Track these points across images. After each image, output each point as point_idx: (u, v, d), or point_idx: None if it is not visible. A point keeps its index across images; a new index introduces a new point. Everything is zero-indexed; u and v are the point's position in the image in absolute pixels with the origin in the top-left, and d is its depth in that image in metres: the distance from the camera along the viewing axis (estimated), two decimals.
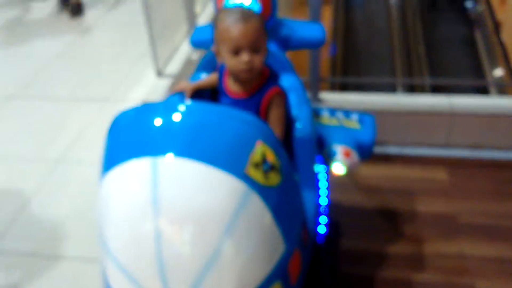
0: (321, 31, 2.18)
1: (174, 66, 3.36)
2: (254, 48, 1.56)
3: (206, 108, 1.39)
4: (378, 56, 5.61)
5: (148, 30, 3.16)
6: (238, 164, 1.28)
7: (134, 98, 3.37)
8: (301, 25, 2.21)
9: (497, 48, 5.46)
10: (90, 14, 4.93)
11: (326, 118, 2.18)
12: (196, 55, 3.45)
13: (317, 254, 1.90)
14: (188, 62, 3.42)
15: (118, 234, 1.29)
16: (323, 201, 2.07)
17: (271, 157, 1.35)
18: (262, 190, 1.29)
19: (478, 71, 5.20)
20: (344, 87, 4.62)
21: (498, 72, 5.11)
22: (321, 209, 2.06)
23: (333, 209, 2.54)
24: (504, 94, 4.48)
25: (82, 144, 3.20)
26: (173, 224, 1.22)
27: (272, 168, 1.34)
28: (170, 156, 1.25)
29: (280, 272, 1.34)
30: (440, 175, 2.81)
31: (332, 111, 2.22)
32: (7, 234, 2.59)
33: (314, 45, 2.28)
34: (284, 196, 1.38)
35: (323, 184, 2.06)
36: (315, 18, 2.72)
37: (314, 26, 2.25)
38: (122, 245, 1.28)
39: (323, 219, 2.02)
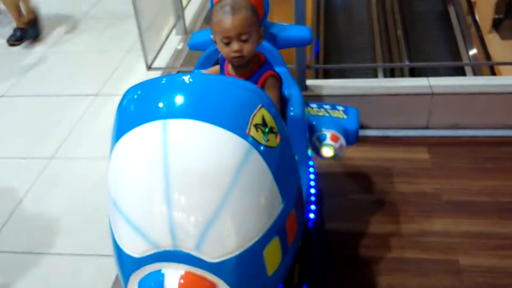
0: (308, 32, 2.36)
1: (162, 59, 3.43)
2: (243, 38, 1.70)
3: (210, 76, 1.54)
4: (358, 43, 5.71)
5: (137, 25, 3.21)
6: (241, 125, 1.38)
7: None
8: (290, 27, 2.39)
9: (471, 28, 5.59)
10: (75, 14, 4.98)
11: (314, 109, 2.32)
12: (185, 47, 3.53)
13: (308, 238, 2.02)
14: (176, 54, 3.49)
15: (129, 190, 1.36)
16: (312, 189, 2.20)
17: (270, 121, 1.46)
18: (262, 149, 1.39)
19: (455, 52, 5.31)
20: (326, 74, 4.74)
21: (473, 51, 5.23)
22: (311, 197, 2.19)
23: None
24: (479, 75, 4.63)
25: (75, 140, 3.25)
26: (181, 178, 1.30)
27: (271, 130, 1.45)
28: (179, 118, 1.36)
29: (278, 228, 1.43)
30: (422, 155, 2.92)
31: (320, 104, 2.36)
32: (2, 232, 2.62)
33: (302, 44, 2.45)
34: (282, 158, 1.49)
35: (311, 174, 2.19)
36: (300, 20, 2.86)
37: (301, 28, 2.44)
38: (133, 201, 1.35)
39: (312, 207, 2.15)
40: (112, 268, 2.28)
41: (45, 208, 2.75)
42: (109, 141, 1.57)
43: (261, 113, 1.44)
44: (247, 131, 1.38)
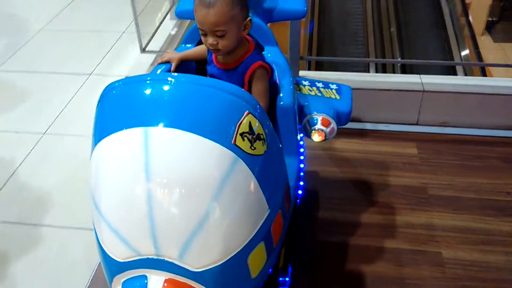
0: (303, 3, 2.25)
1: (157, 43, 3.45)
2: (218, 34, 1.62)
3: (195, 79, 1.44)
4: (352, 37, 5.75)
5: (132, 8, 3.22)
6: (226, 134, 1.34)
7: (117, 73, 3.46)
8: None
9: (465, 29, 5.67)
10: None
11: (307, 88, 2.27)
12: (179, 32, 3.55)
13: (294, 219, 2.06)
14: (170, 39, 3.51)
15: (110, 197, 1.34)
16: (301, 164, 2.22)
17: (257, 127, 1.42)
18: (248, 159, 1.36)
19: (448, 52, 5.37)
20: (318, 65, 4.78)
21: (465, 52, 5.30)
22: (300, 173, 2.19)
23: (310, 180, 2.70)
24: (470, 75, 4.68)
25: (67, 117, 3.27)
26: (164, 188, 1.28)
27: (258, 137, 1.41)
28: (161, 126, 1.31)
29: (264, 234, 1.42)
30: (411, 150, 2.97)
31: (312, 82, 2.30)
32: None
33: (296, 17, 2.31)
34: (268, 164, 1.46)
35: (301, 153, 2.19)
36: None
37: None
38: (114, 207, 1.33)
39: (300, 184, 2.17)
40: None
41: (37, 181, 2.79)
42: None
43: (248, 120, 1.40)
44: (232, 141, 1.34)
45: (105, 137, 1.38)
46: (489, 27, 6.07)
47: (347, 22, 6.00)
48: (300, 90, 2.27)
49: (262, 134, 1.43)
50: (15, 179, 2.81)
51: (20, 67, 3.87)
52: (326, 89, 2.29)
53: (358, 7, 6.13)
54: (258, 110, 1.46)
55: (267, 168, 1.45)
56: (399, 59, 5.01)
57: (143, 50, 3.34)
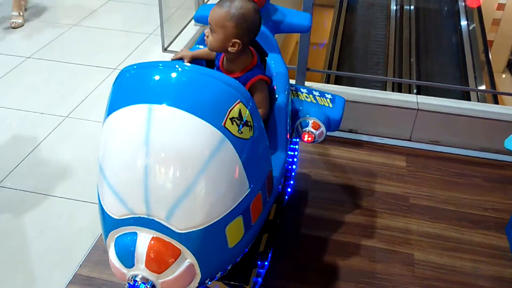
0: (308, 19, 2.48)
1: (178, 44, 3.72)
2: (211, 28, 1.89)
3: (198, 69, 1.69)
4: (373, 59, 5.96)
5: (159, 10, 3.51)
6: (218, 117, 1.55)
7: None
8: (291, 13, 2.49)
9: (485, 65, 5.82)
10: None
11: (303, 95, 2.49)
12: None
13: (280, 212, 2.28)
14: (192, 42, 3.78)
15: (114, 162, 1.55)
16: (293, 166, 2.45)
17: (246, 116, 1.64)
18: (235, 140, 1.57)
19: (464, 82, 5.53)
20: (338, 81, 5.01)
21: (482, 87, 5.45)
22: (292, 173, 2.44)
23: (302, 180, 2.91)
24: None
25: (89, 104, 3.55)
26: (159, 158, 1.49)
27: (246, 124, 1.62)
28: (163, 104, 1.53)
29: (242, 209, 1.63)
30: (400, 162, 3.17)
31: (310, 90, 2.52)
32: (14, 172, 2.92)
33: (301, 30, 2.55)
34: (253, 148, 1.67)
35: (293, 153, 2.42)
36: (308, 8, 3.02)
37: (302, 14, 2.54)
38: (117, 171, 1.54)
39: (290, 182, 2.40)
40: None
41: (55, 158, 3.04)
42: None
43: (238, 108, 1.60)
44: (222, 123, 1.55)
45: (115, 110, 1.59)
46: (510, 65, 6.20)
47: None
48: (297, 96, 2.48)
49: (250, 122, 1.64)
50: (36, 154, 3.07)
51: (51, 56, 4.17)
52: (321, 98, 2.48)
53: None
54: (251, 104, 1.68)
55: (251, 152, 1.65)
56: (414, 80, 5.17)
57: (164, 49, 3.61)
